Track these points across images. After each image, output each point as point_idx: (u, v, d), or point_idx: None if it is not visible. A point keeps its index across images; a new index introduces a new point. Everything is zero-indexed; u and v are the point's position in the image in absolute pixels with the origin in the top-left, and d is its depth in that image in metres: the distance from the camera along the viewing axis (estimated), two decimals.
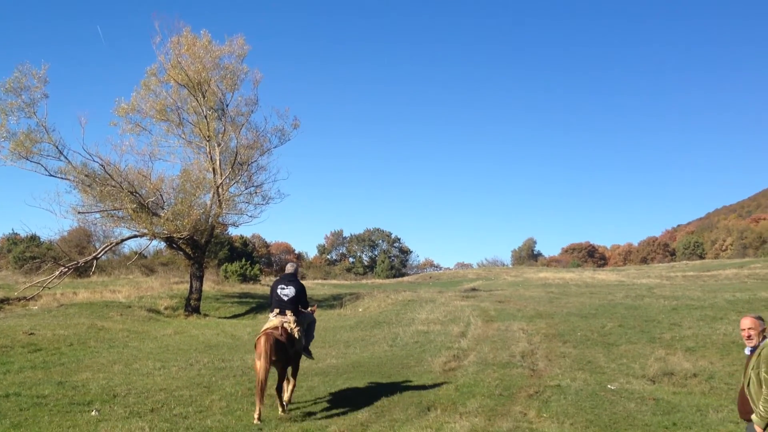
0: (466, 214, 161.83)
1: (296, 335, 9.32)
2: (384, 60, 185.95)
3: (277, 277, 10.70)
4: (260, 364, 8.67)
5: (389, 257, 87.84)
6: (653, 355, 13.45)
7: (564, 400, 9.70)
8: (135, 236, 24.70)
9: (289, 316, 9.37)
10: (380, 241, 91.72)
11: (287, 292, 9.50)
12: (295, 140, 29.99)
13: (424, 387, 10.62)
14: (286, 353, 9.08)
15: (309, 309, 10.23)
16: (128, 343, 16.23)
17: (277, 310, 9.44)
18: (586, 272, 50.54)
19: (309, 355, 10.20)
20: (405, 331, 17.67)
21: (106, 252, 27.12)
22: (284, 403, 9.09)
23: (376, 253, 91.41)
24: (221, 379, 11.40)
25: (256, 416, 8.48)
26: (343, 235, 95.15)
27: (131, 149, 24.39)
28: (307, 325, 9.98)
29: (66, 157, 22.32)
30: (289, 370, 9.56)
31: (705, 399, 10.20)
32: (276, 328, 9.13)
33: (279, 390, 8.99)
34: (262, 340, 8.80)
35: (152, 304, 23.98)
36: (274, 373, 8.94)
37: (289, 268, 10.07)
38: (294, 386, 9.72)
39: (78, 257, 26.55)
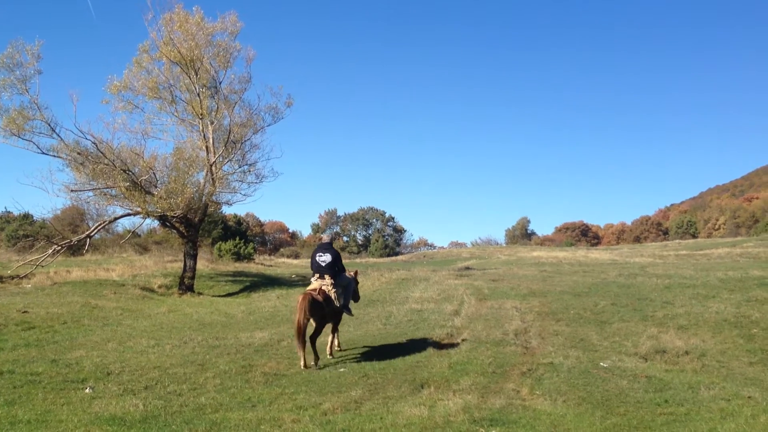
0: (460, 194, 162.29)
1: (333, 296, 10.92)
2: (377, 39, 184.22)
3: (315, 246, 12.06)
4: (298, 319, 10.23)
5: (383, 236, 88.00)
6: (645, 333, 13.51)
7: (557, 378, 9.76)
8: (128, 215, 24.54)
9: (327, 280, 10.97)
10: (374, 219, 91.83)
11: (324, 258, 11.08)
12: (289, 119, 29.88)
13: (417, 365, 10.66)
14: (323, 310, 10.67)
15: (350, 274, 12.02)
16: (122, 321, 16.23)
17: (317, 275, 11.10)
18: (580, 251, 50.74)
19: (349, 312, 11.86)
20: (399, 309, 17.72)
21: (99, 230, 26.96)
22: (324, 352, 11.19)
23: (370, 231, 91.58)
24: (215, 357, 11.41)
25: (301, 364, 10.28)
26: (337, 214, 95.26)
27: (123, 127, 24.10)
28: (345, 286, 11.51)
29: (58, 135, 22.06)
30: (329, 326, 11.44)
31: (697, 377, 10.26)
32: (315, 289, 10.77)
33: (313, 340, 10.59)
34: (301, 299, 10.43)
35: (146, 282, 23.93)
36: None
37: (326, 237, 11.85)
38: (336, 336, 11.79)
39: (71, 235, 26.39)
